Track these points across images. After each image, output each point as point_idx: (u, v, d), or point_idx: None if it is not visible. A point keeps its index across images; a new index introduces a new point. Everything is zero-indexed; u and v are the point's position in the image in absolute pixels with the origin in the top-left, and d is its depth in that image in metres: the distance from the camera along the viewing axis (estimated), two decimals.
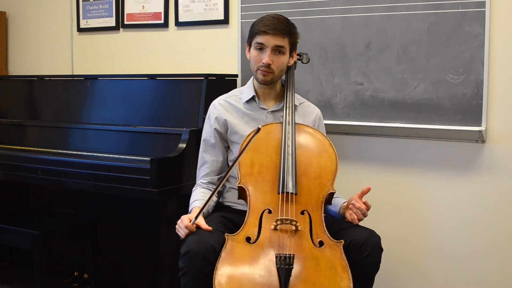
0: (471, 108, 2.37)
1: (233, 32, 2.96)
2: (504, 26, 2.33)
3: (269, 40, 2.04)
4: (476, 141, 2.43)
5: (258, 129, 1.82)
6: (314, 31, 2.66)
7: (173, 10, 3.17)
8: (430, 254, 2.57)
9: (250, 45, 2.12)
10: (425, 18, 2.43)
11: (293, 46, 2.13)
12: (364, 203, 1.95)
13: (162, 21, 3.21)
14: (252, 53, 2.10)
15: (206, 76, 2.67)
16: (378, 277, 1.95)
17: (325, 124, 2.60)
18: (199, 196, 2.09)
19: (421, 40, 2.45)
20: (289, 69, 2.20)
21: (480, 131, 2.35)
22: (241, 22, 2.88)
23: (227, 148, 2.20)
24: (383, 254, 1.92)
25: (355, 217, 1.95)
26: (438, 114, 2.43)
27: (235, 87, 2.86)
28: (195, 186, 2.19)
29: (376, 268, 1.90)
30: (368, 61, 2.56)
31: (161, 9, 3.21)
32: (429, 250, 2.57)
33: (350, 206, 1.96)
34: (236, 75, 2.90)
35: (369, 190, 1.95)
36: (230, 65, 2.99)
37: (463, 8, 2.35)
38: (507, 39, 2.33)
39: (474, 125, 2.37)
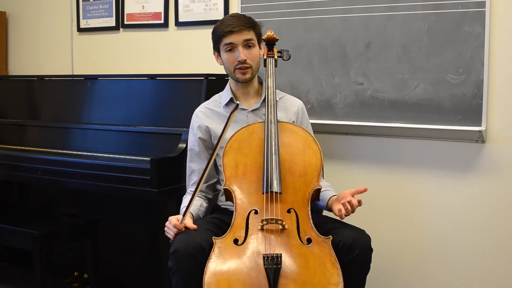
0: (471, 108, 2.37)
1: None
2: (504, 26, 2.33)
3: (237, 37, 2.06)
4: (476, 141, 2.43)
5: (237, 105, 1.83)
6: (314, 31, 2.66)
7: (173, 10, 3.17)
8: (430, 254, 2.57)
9: (218, 50, 2.14)
10: (425, 18, 2.43)
11: (259, 37, 2.15)
12: (358, 201, 1.88)
13: (162, 21, 3.21)
14: (224, 56, 2.12)
15: (206, 76, 2.67)
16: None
17: (325, 124, 2.61)
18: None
19: (421, 40, 2.45)
20: (267, 66, 2.19)
21: (480, 131, 2.35)
22: None
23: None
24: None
25: (344, 212, 1.88)
26: (438, 114, 2.43)
27: None
28: (185, 194, 2.21)
29: (366, 268, 1.90)
30: (368, 61, 2.56)
31: (161, 9, 3.21)
32: (429, 250, 2.57)
33: (343, 201, 1.88)
34: None
35: (365, 190, 1.91)
36: None
37: (463, 8, 2.35)
38: (507, 39, 2.33)
39: (474, 125, 2.37)
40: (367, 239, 1.90)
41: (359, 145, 2.68)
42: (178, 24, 3.16)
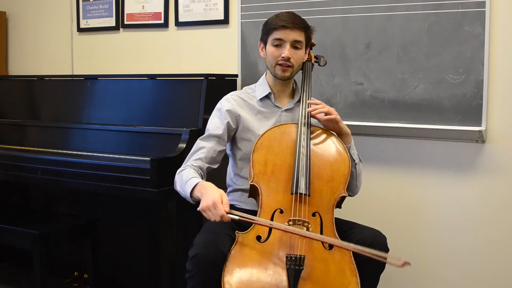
0: (471, 108, 2.37)
1: (233, 32, 2.96)
2: (504, 26, 2.33)
3: (288, 35, 2.03)
4: (476, 141, 2.43)
5: None
6: (314, 31, 2.66)
7: (173, 10, 3.17)
8: (430, 254, 2.57)
9: (265, 43, 2.10)
10: (425, 18, 2.43)
11: (308, 41, 2.13)
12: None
13: (162, 21, 3.21)
14: (270, 49, 2.07)
15: (206, 76, 2.67)
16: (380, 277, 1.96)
17: None
18: (195, 174, 1.99)
19: (421, 40, 2.45)
20: (305, 69, 2.18)
21: (480, 131, 2.35)
22: (241, 22, 2.88)
23: (229, 143, 2.18)
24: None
25: (320, 115, 2.03)
26: (438, 114, 2.44)
27: (235, 87, 2.86)
28: (184, 167, 2.06)
29: (382, 267, 1.91)
30: (368, 61, 2.56)
31: (161, 9, 3.21)
32: (429, 250, 2.57)
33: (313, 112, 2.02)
34: (236, 75, 2.90)
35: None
36: (230, 65, 2.99)
37: (463, 8, 2.35)
38: (507, 39, 2.33)
39: (474, 125, 2.37)
40: (384, 239, 1.92)
41: (359, 145, 2.66)
42: (178, 24, 3.16)
